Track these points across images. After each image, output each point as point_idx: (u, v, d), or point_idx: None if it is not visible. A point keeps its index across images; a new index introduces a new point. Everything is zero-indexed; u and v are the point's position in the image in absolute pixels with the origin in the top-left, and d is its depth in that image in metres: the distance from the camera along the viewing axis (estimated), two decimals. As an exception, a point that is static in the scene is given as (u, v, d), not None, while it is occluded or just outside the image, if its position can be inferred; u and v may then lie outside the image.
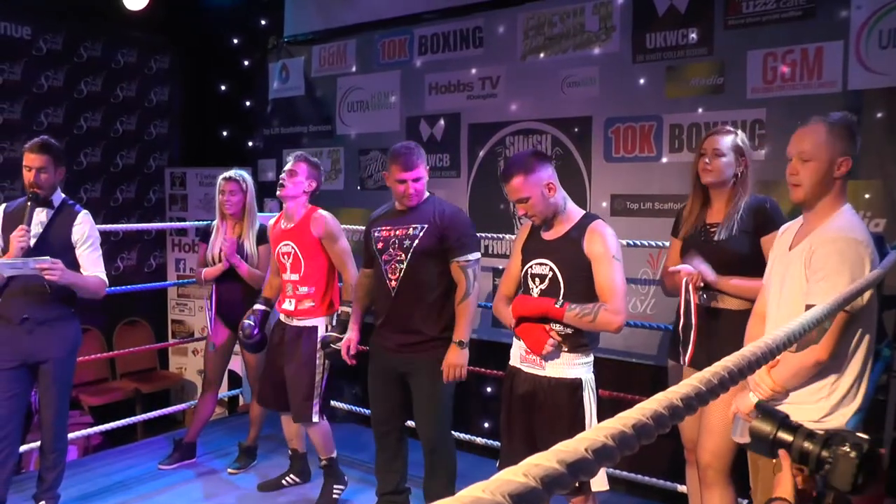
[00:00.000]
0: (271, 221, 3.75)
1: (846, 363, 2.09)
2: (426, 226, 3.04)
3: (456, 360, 3.00)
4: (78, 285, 3.24)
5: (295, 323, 3.54)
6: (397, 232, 3.09)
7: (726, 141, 2.64)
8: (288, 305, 3.54)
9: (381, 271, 3.14)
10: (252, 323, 3.65)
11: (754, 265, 2.52)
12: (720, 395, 0.85)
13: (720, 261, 2.60)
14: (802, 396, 2.11)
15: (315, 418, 3.50)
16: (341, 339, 3.33)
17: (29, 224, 3.17)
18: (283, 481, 3.88)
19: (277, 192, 3.52)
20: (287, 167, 3.51)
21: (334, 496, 3.63)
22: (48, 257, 3.06)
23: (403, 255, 3.05)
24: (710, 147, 2.66)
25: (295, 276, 3.52)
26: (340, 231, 3.54)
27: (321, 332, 3.49)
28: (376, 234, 3.18)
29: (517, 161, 2.66)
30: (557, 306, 2.53)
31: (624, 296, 2.55)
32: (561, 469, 0.62)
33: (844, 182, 2.13)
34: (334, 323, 3.47)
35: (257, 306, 3.72)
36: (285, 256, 3.55)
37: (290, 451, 3.91)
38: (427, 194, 3.16)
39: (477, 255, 3.09)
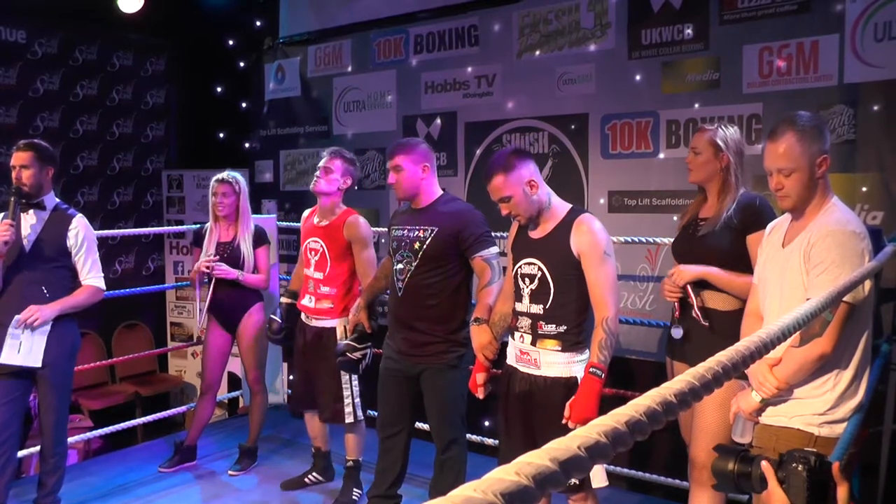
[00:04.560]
0: (306, 213, 3.72)
1: (848, 356, 2.09)
2: (436, 229, 3.01)
3: (477, 339, 2.80)
4: (68, 307, 3.26)
5: (314, 323, 3.58)
6: (410, 233, 3.08)
7: (703, 138, 2.64)
8: (307, 302, 3.58)
9: (393, 270, 3.14)
10: (277, 318, 3.68)
11: (735, 261, 2.53)
12: (714, 390, 0.85)
13: (700, 254, 2.60)
14: (807, 391, 2.10)
15: (349, 419, 3.52)
16: (357, 348, 3.29)
17: (13, 219, 3.15)
18: (306, 479, 3.87)
19: (311, 187, 3.52)
20: (322, 163, 3.50)
21: (353, 498, 3.63)
22: (18, 316, 3.12)
23: (413, 258, 3.04)
24: (690, 145, 2.70)
25: (319, 275, 3.53)
26: (371, 239, 3.54)
27: (339, 333, 3.49)
28: (394, 231, 3.18)
29: (497, 160, 2.60)
30: (595, 375, 2.44)
31: (617, 294, 2.54)
32: (553, 467, 0.61)
33: (827, 177, 2.15)
34: (349, 333, 3.40)
35: (283, 300, 3.75)
36: (312, 253, 3.56)
37: (313, 450, 3.89)
38: (440, 192, 3.14)
39: (496, 249, 3.06)
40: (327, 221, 3.53)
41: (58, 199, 3.39)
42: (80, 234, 3.31)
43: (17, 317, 3.13)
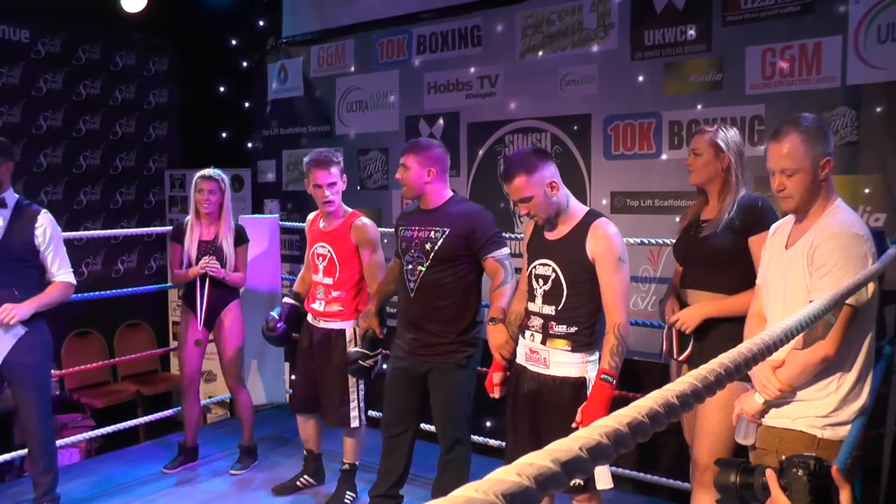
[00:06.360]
0: (311, 217, 3.67)
1: (851, 358, 2.09)
2: (448, 230, 3.00)
3: (493, 339, 2.80)
4: (42, 306, 3.18)
5: (322, 325, 3.53)
6: (420, 234, 3.06)
7: (703, 139, 2.63)
8: (317, 306, 3.53)
9: (403, 271, 3.13)
10: (276, 316, 3.62)
11: (736, 262, 2.52)
12: (717, 392, 0.84)
13: (702, 255, 2.60)
14: (810, 393, 2.10)
15: (354, 423, 3.48)
16: (369, 356, 3.28)
17: None
18: (298, 482, 3.84)
19: (327, 210, 3.43)
20: (323, 181, 3.36)
21: (346, 501, 3.61)
22: None
23: (424, 259, 3.03)
24: (691, 147, 2.68)
25: (328, 280, 3.49)
26: (379, 241, 3.49)
27: (349, 335, 3.46)
28: (402, 232, 3.16)
29: (518, 160, 2.59)
30: (607, 381, 2.44)
31: (628, 301, 2.54)
32: (555, 468, 0.61)
33: (830, 179, 2.14)
34: (360, 339, 3.38)
35: (286, 300, 3.70)
36: (320, 258, 3.51)
37: (304, 452, 3.86)
38: (450, 194, 3.13)
39: (507, 249, 3.05)
40: (333, 226, 3.49)
41: (18, 195, 3.25)
42: (48, 231, 3.20)
43: None
